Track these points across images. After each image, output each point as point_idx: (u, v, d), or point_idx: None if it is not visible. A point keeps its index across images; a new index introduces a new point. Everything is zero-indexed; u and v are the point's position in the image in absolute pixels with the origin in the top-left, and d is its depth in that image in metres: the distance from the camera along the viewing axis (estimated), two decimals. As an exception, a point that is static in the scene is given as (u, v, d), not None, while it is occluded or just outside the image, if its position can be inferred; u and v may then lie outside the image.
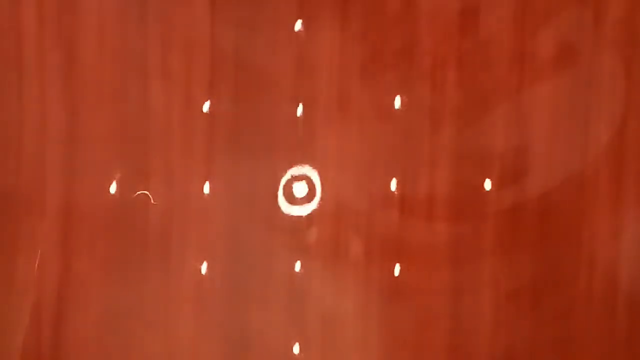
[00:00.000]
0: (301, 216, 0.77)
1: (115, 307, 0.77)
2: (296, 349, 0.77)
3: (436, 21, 0.75)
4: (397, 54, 0.75)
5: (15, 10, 0.77)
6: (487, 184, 0.76)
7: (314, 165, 0.76)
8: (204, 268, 0.77)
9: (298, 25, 0.76)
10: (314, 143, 0.76)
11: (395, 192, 0.76)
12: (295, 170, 0.76)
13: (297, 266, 0.77)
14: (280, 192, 0.76)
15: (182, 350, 0.77)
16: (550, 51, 0.75)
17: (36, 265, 0.77)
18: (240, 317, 0.77)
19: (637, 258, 0.76)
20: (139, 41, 0.76)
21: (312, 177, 0.76)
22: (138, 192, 0.77)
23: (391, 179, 0.76)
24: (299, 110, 0.76)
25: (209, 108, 0.75)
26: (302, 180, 0.76)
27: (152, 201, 0.77)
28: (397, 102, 0.76)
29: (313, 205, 0.77)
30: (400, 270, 0.76)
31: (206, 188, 0.77)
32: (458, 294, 0.76)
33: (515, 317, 0.76)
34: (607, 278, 0.76)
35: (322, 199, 0.76)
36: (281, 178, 0.76)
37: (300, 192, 0.76)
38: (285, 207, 0.77)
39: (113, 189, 0.77)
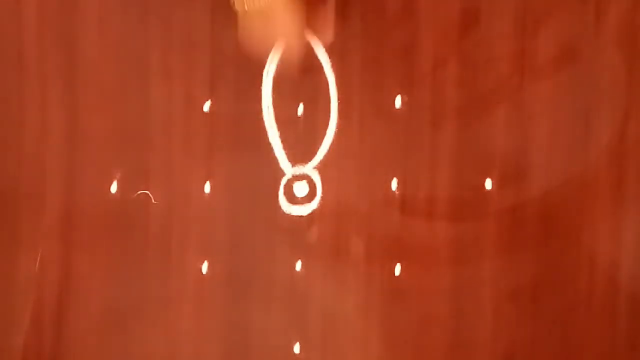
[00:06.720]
0: (302, 216, 0.77)
1: (116, 306, 0.77)
2: (297, 349, 0.77)
3: (436, 21, 0.75)
4: (397, 54, 0.75)
5: (15, 10, 0.77)
6: (488, 184, 0.76)
7: (314, 164, 0.76)
8: (204, 267, 0.77)
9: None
10: (314, 143, 0.76)
11: (396, 192, 0.76)
12: (296, 170, 0.76)
13: (298, 266, 0.77)
14: (280, 192, 0.76)
15: (183, 350, 0.77)
16: (551, 51, 0.75)
17: (37, 264, 0.78)
18: (240, 316, 0.77)
19: (637, 258, 0.76)
20: (140, 41, 0.76)
21: (312, 177, 0.76)
22: (139, 192, 0.77)
23: (392, 179, 0.76)
24: (300, 110, 0.76)
25: (210, 107, 0.75)
26: (302, 179, 0.76)
27: (152, 201, 0.77)
28: (398, 102, 0.76)
29: (314, 205, 0.77)
30: (401, 270, 0.76)
31: (207, 187, 0.77)
32: (458, 294, 0.76)
33: (515, 317, 0.76)
34: (607, 278, 0.76)
35: (322, 198, 0.76)
36: (281, 178, 0.76)
37: (301, 191, 0.77)
38: (286, 206, 0.77)
39: (114, 188, 0.77)
